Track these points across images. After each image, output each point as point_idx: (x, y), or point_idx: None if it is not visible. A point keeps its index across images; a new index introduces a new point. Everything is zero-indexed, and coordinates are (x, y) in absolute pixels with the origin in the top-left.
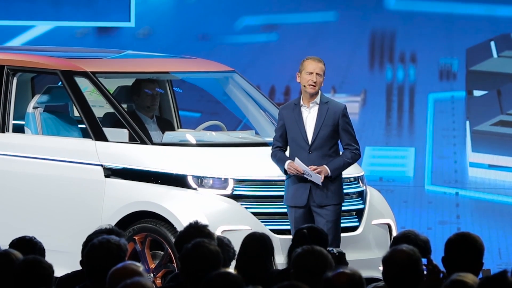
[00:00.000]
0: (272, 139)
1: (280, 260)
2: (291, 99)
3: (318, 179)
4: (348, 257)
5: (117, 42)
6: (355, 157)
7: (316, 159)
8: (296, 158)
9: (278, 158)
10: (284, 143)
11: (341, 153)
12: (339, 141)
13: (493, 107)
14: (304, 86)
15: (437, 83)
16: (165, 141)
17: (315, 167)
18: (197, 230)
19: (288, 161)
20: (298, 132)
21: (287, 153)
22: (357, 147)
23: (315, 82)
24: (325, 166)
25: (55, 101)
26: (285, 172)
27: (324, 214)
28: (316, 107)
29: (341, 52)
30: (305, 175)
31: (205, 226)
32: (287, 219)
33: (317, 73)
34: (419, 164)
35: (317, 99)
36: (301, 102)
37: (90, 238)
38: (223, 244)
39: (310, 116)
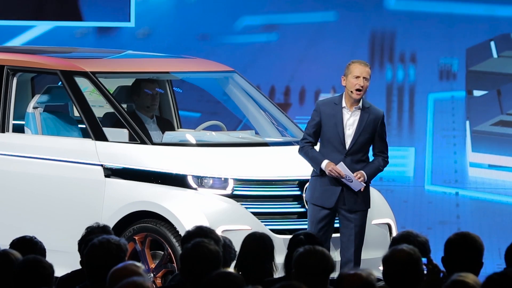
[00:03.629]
0: (272, 139)
1: (280, 260)
2: (290, 99)
3: (359, 186)
4: None
5: (117, 42)
6: (385, 165)
7: (349, 164)
8: (342, 163)
9: (312, 156)
10: (316, 140)
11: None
12: None
13: (493, 107)
14: (351, 91)
15: (437, 83)
16: (165, 141)
17: (361, 175)
18: (205, 232)
19: (326, 162)
20: (337, 134)
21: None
22: (388, 155)
23: (362, 87)
24: (363, 172)
25: (55, 101)
26: (320, 171)
27: (353, 218)
28: (358, 112)
29: (341, 52)
30: (344, 180)
31: (212, 231)
32: (287, 219)
33: (364, 77)
34: (419, 164)
35: (360, 104)
36: (343, 104)
37: (83, 238)
38: (225, 245)
39: (351, 120)
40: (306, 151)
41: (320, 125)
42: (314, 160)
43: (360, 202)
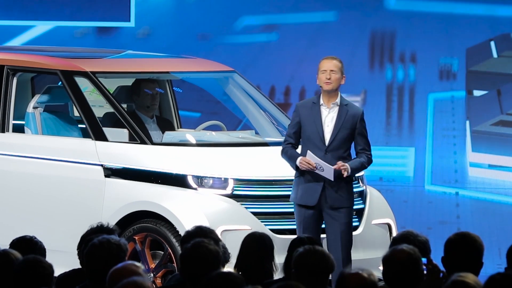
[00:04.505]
0: (272, 139)
1: (280, 260)
2: (290, 99)
3: (331, 173)
4: None
5: (117, 42)
6: (369, 162)
7: (330, 160)
8: (309, 151)
9: (290, 155)
10: (296, 140)
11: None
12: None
13: (493, 107)
14: (321, 86)
15: (437, 83)
16: (165, 141)
17: (342, 163)
18: (205, 232)
19: (299, 158)
20: (316, 131)
21: (299, 150)
22: (371, 152)
23: (329, 79)
24: (347, 164)
25: (55, 101)
26: (297, 168)
27: (337, 216)
28: (336, 108)
29: (341, 52)
30: (317, 170)
31: (212, 231)
32: (287, 219)
33: (331, 70)
34: (419, 164)
35: (338, 100)
36: (321, 101)
37: (83, 240)
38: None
39: (329, 116)
40: (285, 151)
41: (300, 125)
42: (292, 159)
43: (343, 199)
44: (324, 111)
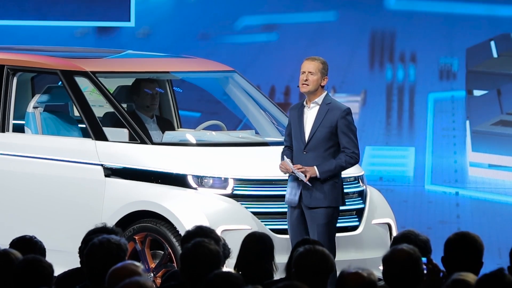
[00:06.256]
0: (272, 139)
1: (280, 260)
2: (290, 99)
3: (303, 177)
4: (348, 257)
5: (117, 42)
6: (350, 161)
7: (310, 159)
8: (285, 157)
9: (282, 157)
10: (291, 142)
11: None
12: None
13: (493, 107)
14: (299, 87)
15: (437, 83)
16: (165, 141)
17: (300, 166)
18: (205, 232)
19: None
20: (298, 131)
21: None
22: (354, 150)
23: (306, 80)
24: (314, 167)
25: (55, 101)
26: None
27: (314, 217)
28: (316, 108)
29: (341, 52)
30: (295, 174)
31: (212, 231)
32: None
33: (309, 72)
34: (419, 164)
35: (319, 100)
36: (305, 102)
37: (85, 239)
38: (222, 245)
39: (309, 116)
40: (282, 153)
41: (291, 127)
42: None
43: (318, 199)
44: (306, 111)
